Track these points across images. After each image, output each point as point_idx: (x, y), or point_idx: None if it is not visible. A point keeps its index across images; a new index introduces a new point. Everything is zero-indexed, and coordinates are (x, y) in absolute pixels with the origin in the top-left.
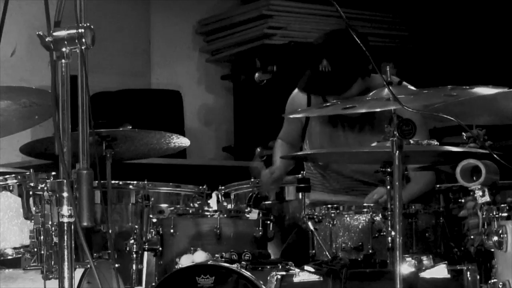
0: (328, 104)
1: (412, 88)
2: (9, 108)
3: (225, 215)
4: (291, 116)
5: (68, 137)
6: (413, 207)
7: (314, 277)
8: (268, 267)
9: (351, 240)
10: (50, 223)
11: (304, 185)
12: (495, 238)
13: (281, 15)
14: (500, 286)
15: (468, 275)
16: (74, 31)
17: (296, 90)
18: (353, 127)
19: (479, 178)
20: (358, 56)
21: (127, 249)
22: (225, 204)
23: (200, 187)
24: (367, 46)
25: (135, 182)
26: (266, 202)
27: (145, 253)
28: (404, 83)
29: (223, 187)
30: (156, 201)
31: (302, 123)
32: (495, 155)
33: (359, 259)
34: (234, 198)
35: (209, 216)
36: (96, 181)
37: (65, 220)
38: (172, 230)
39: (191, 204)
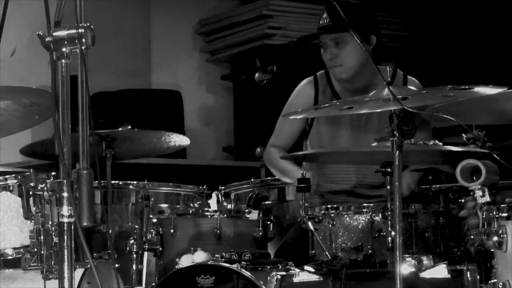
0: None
1: (416, 81)
2: (9, 108)
3: (225, 215)
4: (291, 117)
5: (68, 137)
6: (413, 207)
7: (314, 277)
8: (268, 267)
9: (351, 240)
10: (50, 223)
11: (304, 185)
12: (495, 238)
13: (281, 15)
14: (500, 286)
15: (468, 275)
16: (74, 31)
17: (303, 82)
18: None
19: (479, 178)
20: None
21: (127, 249)
22: (225, 204)
23: (200, 187)
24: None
25: (135, 182)
26: (266, 202)
27: (145, 253)
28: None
29: (223, 187)
30: (156, 201)
31: (305, 122)
32: (495, 156)
33: (359, 259)
34: (234, 198)
35: (209, 216)
36: (96, 181)
37: (65, 220)
38: (172, 230)
39: (191, 204)
